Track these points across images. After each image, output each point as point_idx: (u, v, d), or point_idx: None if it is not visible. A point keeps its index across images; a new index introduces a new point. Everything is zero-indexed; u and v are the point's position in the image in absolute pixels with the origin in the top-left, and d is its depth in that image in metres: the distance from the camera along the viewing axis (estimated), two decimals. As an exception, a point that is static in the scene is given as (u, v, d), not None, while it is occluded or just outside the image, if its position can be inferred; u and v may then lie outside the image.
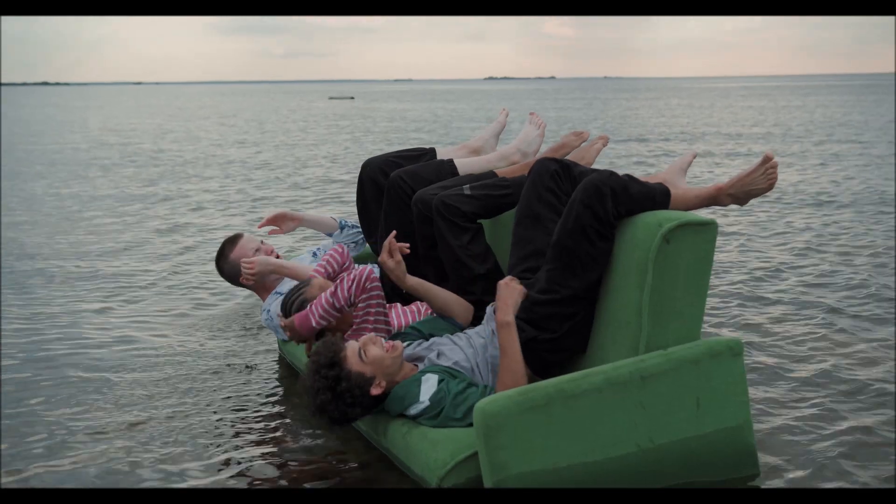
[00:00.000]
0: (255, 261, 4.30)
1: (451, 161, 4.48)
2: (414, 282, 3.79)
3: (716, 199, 3.66)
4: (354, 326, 3.87)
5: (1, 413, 4.12)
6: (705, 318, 5.19)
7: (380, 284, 3.92)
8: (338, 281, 3.86)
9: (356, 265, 4.56)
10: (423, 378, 3.34)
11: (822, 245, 7.83)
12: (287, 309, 4.01)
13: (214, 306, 6.07)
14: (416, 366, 3.51)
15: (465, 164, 4.49)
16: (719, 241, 7.99)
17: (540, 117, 4.67)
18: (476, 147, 4.80)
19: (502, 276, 3.95)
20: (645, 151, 17.37)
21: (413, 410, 3.32)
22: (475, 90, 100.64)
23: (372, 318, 3.87)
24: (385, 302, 3.94)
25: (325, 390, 3.27)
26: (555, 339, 3.47)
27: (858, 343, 5.03)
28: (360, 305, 3.86)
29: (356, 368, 3.30)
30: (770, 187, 3.63)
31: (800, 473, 3.44)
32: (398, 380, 3.40)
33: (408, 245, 3.80)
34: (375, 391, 3.32)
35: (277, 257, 4.54)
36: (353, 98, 70.85)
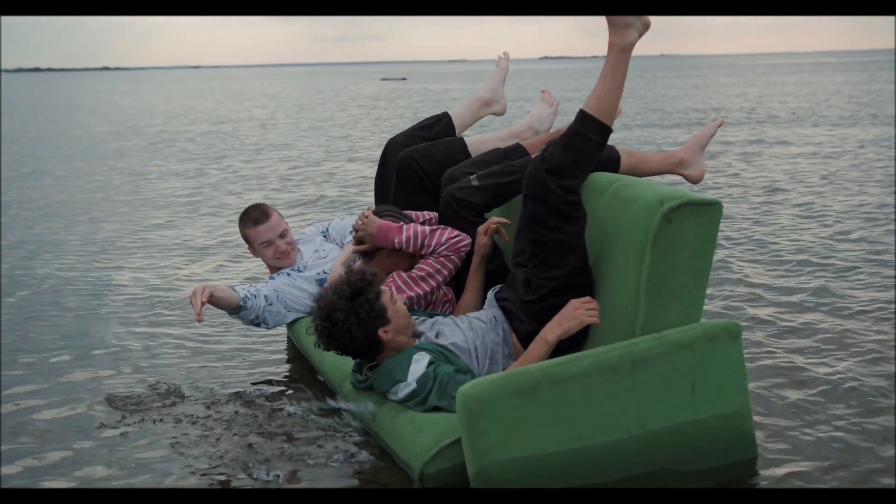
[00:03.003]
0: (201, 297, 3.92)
1: (461, 140, 4.38)
2: (478, 265, 3.79)
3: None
4: (420, 272, 3.78)
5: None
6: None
7: (464, 259, 3.84)
8: (440, 227, 3.80)
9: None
10: (416, 356, 3.28)
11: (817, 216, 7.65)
12: (381, 213, 3.92)
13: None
14: (415, 340, 3.46)
15: (477, 144, 4.39)
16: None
17: (552, 95, 4.56)
18: (486, 99, 4.69)
19: (506, 271, 3.87)
20: (660, 136, 17.06)
21: (400, 392, 3.26)
22: (528, 70, 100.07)
23: (438, 279, 3.79)
24: (454, 275, 3.88)
25: (350, 286, 3.24)
26: None
27: (858, 323, 4.95)
28: (440, 260, 3.77)
29: (384, 302, 3.28)
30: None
31: (797, 458, 3.36)
32: (400, 344, 3.35)
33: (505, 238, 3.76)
34: (382, 334, 3.28)
35: (292, 249, 4.44)
36: (404, 79, 70.81)
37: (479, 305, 3.79)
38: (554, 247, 3.25)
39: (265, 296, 4.22)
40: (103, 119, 26.51)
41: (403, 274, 3.79)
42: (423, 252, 3.79)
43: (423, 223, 4.00)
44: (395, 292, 3.40)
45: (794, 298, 5.46)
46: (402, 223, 3.82)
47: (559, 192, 3.19)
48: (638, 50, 3.38)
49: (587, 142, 3.23)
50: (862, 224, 7.64)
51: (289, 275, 4.35)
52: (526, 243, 3.35)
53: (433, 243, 3.76)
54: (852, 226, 7.57)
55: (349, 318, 3.22)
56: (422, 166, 4.12)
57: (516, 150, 4.04)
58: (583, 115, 3.23)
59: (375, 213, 3.91)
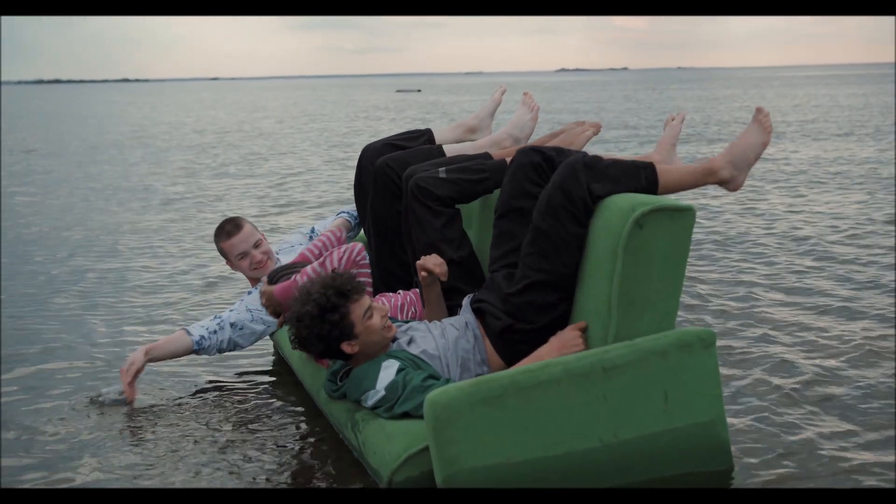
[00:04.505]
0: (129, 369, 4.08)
1: (440, 147, 4.37)
2: (426, 289, 3.67)
3: (712, 171, 3.38)
4: None
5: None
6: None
7: (368, 263, 3.84)
8: (327, 253, 3.77)
9: None
10: (385, 364, 3.25)
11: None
12: (275, 279, 3.91)
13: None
14: (388, 346, 3.42)
15: (455, 150, 4.37)
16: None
17: (533, 99, 4.52)
18: (472, 126, 4.68)
19: (477, 264, 3.84)
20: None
21: (370, 400, 3.23)
22: (543, 82, 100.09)
23: None
24: (371, 281, 3.87)
25: (318, 306, 3.20)
26: (533, 331, 3.35)
27: (839, 331, 4.91)
28: None
29: (353, 318, 3.23)
30: (768, 139, 3.40)
31: (772, 466, 3.31)
32: (370, 354, 3.32)
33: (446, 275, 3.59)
34: (346, 347, 3.26)
35: (268, 259, 4.43)
36: (419, 91, 70.89)
37: (442, 317, 3.73)
38: (554, 241, 3.25)
39: (232, 323, 4.22)
40: (110, 129, 26.65)
41: None
42: None
43: (321, 257, 3.99)
44: (375, 305, 3.34)
45: (773, 306, 5.42)
46: (294, 276, 3.76)
47: (584, 191, 3.21)
48: (656, 62, 3.45)
49: (636, 176, 3.28)
50: (849, 232, 7.61)
51: None
52: (528, 233, 3.34)
53: (330, 269, 3.69)
54: (837, 236, 7.53)
55: (311, 333, 3.23)
56: (398, 173, 4.09)
57: (481, 157, 4.02)
58: (651, 166, 3.32)
59: (269, 282, 3.89)
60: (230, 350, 4.29)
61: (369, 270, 3.87)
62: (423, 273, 3.53)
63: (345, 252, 3.76)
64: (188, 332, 4.20)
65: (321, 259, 3.78)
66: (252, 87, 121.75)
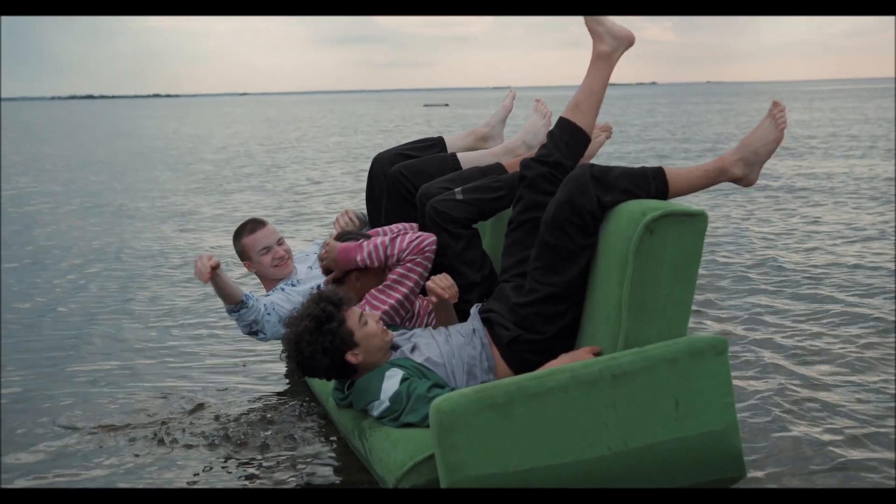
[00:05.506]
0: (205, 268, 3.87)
1: (454, 156, 4.34)
2: (436, 307, 3.63)
3: (723, 169, 3.32)
4: (388, 281, 3.70)
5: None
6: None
7: (432, 257, 3.73)
8: (402, 232, 3.72)
9: None
10: (388, 373, 3.21)
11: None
12: (343, 238, 3.87)
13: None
14: (391, 352, 3.39)
15: (470, 158, 4.34)
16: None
17: (546, 105, 4.49)
18: (483, 133, 4.66)
19: (497, 280, 3.81)
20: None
21: (375, 410, 3.20)
22: (571, 96, 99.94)
23: (408, 285, 3.69)
24: (426, 278, 3.76)
25: (314, 319, 3.17)
26: (541, 341, 3.32)
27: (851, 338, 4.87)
28: (406, 266, 3.68)
29: (350, 325, 3.20)
30: (780, 136, 3.31)
31: (773, 467, 3.30)
32: (373, 362, 3.28)
33: (456, 297, 3.56)
34: (350, 358, 3.21)
35: (289, 258, 4.43)
36: (447, 105, 70.95)
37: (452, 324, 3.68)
38: (562, 254, 3.21)
39: (264, 304, 4.19)
40: (132, 143, 26.96)
41: (374, 290, 3.73)
42: (389, 263, 3.71)
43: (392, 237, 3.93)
44: (366, 312, 3.32)
45: (775, 311, 5.40)
46: (362, 241, 3.76)
47: (594, 203, 3.17)
48: (685, 77, 3.38)
49: (645, 186, 3.23)
50: (855, 241, 7.56)
51: (283, 290, 4.32)
52: (535, 246, 3.30)
53: (395, 252, 3.67)
54: (844, 246, 7.47)
55: (314, 349, 3.18)
56: (411, 181, 4.08)
57: (495, 169, 3.99)
58: (661, 172, 3.27)
59: (336, 238, 3.87)
60: (255, 333, 4.20)
61: (430, 266, 3.75)
62: (433, 298, 3.51)
63: (416, 238, 3.69)
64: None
65: (392, 236, 3.73)
66: (280, 102, 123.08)
